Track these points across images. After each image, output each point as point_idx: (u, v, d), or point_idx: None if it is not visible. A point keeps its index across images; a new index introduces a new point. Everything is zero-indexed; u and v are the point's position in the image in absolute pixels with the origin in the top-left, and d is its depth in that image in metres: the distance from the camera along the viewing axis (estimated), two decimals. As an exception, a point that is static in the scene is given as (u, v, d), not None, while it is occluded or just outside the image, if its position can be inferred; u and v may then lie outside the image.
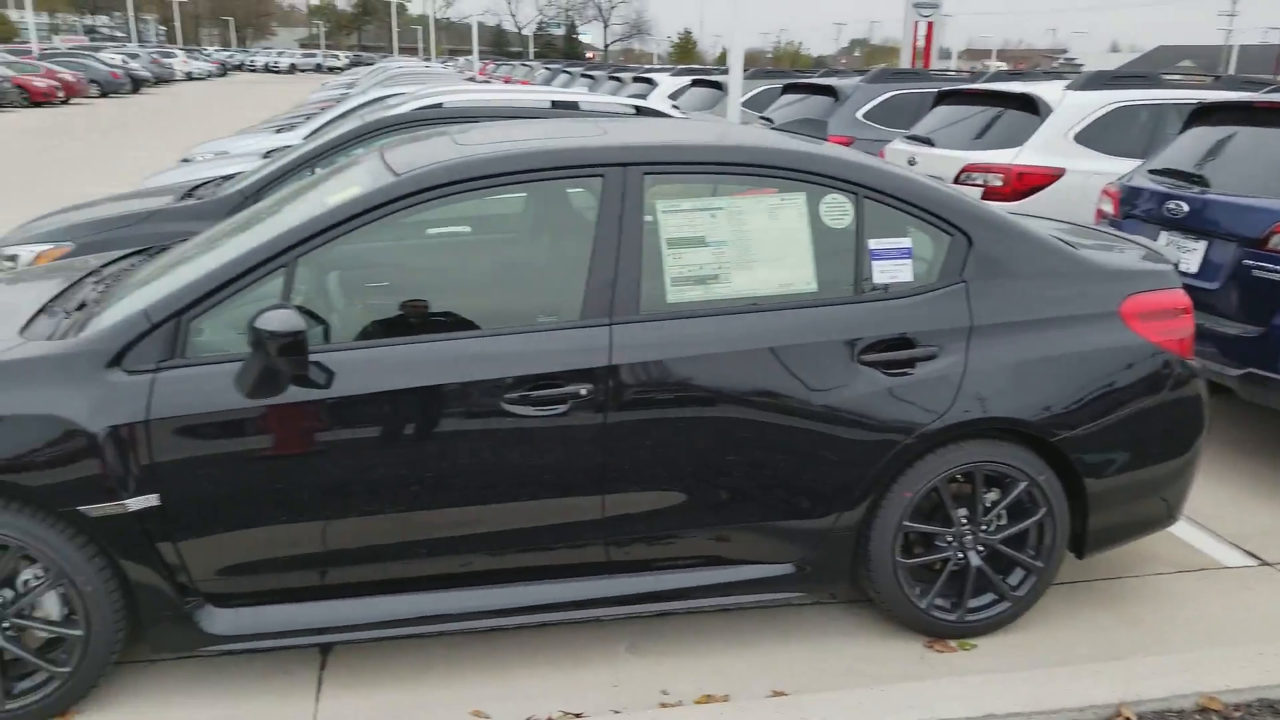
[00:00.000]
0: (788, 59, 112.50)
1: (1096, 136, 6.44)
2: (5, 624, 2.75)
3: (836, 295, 3.08)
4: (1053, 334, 3.14)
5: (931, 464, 3.08)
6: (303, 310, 2.74)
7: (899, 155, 7.48)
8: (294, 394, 2.73)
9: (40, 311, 3.11)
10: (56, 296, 3.29)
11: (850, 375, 2.99)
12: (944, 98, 7.73)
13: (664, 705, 2.93)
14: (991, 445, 3.11)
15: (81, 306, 3.11)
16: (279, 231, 2.88)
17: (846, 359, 3.00)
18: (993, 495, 3.19)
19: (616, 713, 2.88)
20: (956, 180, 6.71)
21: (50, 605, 2.78)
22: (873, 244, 3.12)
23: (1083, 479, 3.16)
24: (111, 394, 2.65)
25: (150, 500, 2.70)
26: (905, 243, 3.14)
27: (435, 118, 5.81)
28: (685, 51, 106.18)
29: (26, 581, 2.75)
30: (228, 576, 2.84)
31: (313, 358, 2.73)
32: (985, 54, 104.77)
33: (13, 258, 5.24)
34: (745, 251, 3.07)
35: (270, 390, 2.71)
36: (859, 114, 9.65)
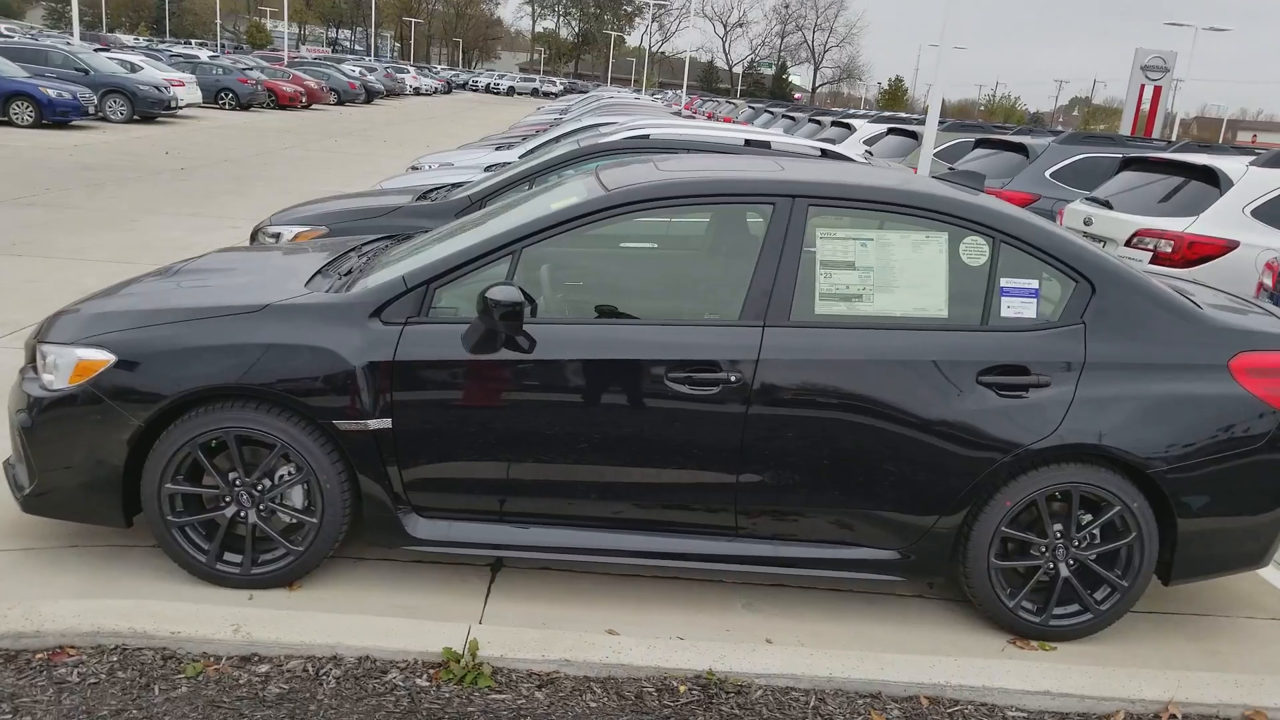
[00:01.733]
0: (1001, 113, 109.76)
1: (1274, 213, 6.53)
2: (262, 507, 3.55)
3: (965, 323, 3.54)
4: (1160, 378, 3.49)
5: (1033, 479, 3.48)
6: (521, 291, 3.43)
7: (1076, 215, 7.71)
8: (503, 354, 3.42)
9: (317, 273, 3.94)
10: (329, 263, 4.13)
11: (967, 393, 3.44)
12: (1129, 164, 7.90)
13: (767, 644, 3.47)
14: (1090, 470, 3.49)
15: (349, 272, 3.92)
16: (510, 226, 3.61)
17: (968, 379, 3.45)
18: (1087, 515, 3.56)
19: (727, 631, 3.42)
20: (1128, 243, 6.92)
21: (296, 497, 3.56)
22: (1003, 282, 3.57)
23: (1174, 511, 3.49)
24: (372, 337, 3.42)
25: (385, 423, 3.44)
26: (1033, 283, 3.57)
27: (641, 147, 6.54)
28: (894, 98, 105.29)
29: (281, 476, 3.54)
30: (430, 492, 3.55)
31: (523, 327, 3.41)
32: (1217, 123, 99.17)
33: (276, 235, 6.28)
34: (888, 277, 3.57)
35: (487, 348, 3.41)
36: (1047, 173, 9.84)
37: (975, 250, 3.58)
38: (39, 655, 3.05)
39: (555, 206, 3.66)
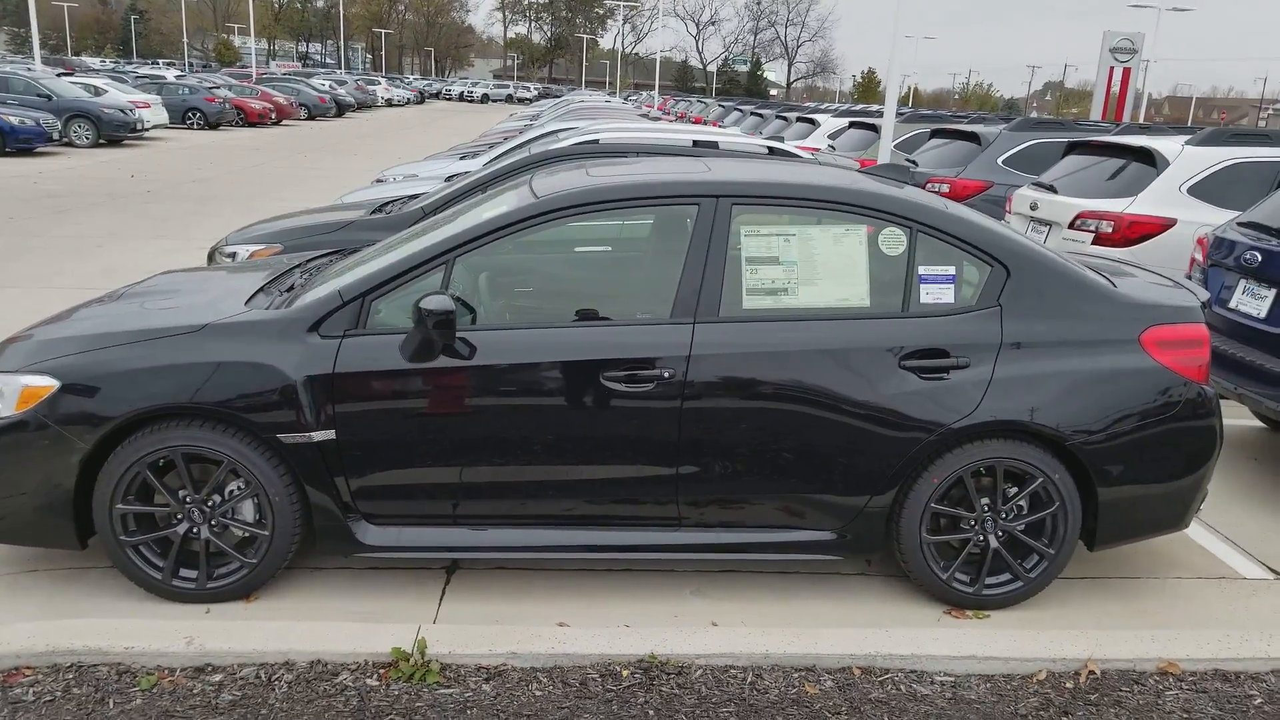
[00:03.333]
0: (976, 101, 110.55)
1: (1210, 190, 6.69)
2: (214, 522, 3.64)
3: (887, 311, 3.67)
4: (1075, 354, 3.64)
5: (958, 456, 3.62)
6: (458, 300, 3.54)
7: (1023, 200, 7.86)
8: (443, 361, 3.53)
9: (259, 290, 4.04)
10: (272, 280, 4.23)
11: (890, 378, 3.57)
12: (1073, 148, 8.06)
13: (712, 626, 3.59)
14: (1012, 445, 3.63)
15: (290, 289, 4.02)
16: (442, 237, 3.72)
17: (890, 364, 3.58)
18: (1013, 488, 3.70)
19: (675, 617, 3.53)
20: (1072, 226, 7.07)
21: (247, 511, 3.65)
22: (921, 269, 3.70)
23: (1094, 480, 3.64)
24: (310, 352, 3.52)
25: (328, 434, 3.54)
26: (950, 270, 3.71)
27: (590, 153, 6.65)
28: (868, 90, 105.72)
29: (232, 491, 3.63)
30: (378, 500, 3.65)
31: (461, 335, 3.53)
32: (1188, 101, 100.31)
33: (232, 255, 6.37)
34: (812, 270, 3.70)
35: (425, 356, 3.52)
36: (999, 160, 10.02)
37: (893, 241, 3.72)
38: (-5, 677, 3.14)
39: (487, 215, 3.77)
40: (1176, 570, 4.19)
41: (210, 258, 6.56)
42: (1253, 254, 5.07)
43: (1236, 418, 5.97)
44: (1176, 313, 3.75)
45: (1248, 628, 3.73)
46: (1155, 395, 3.65)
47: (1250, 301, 5.05)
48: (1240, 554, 4.37)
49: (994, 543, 3.72)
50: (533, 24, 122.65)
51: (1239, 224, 5.48)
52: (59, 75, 28.20)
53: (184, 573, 3.67)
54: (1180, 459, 3.71)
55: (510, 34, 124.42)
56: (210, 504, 3.62)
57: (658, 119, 21.72)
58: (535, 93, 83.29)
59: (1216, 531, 4.60)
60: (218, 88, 34.55)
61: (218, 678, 3.18)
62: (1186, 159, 6.83)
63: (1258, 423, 6.21)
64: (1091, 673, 3.29)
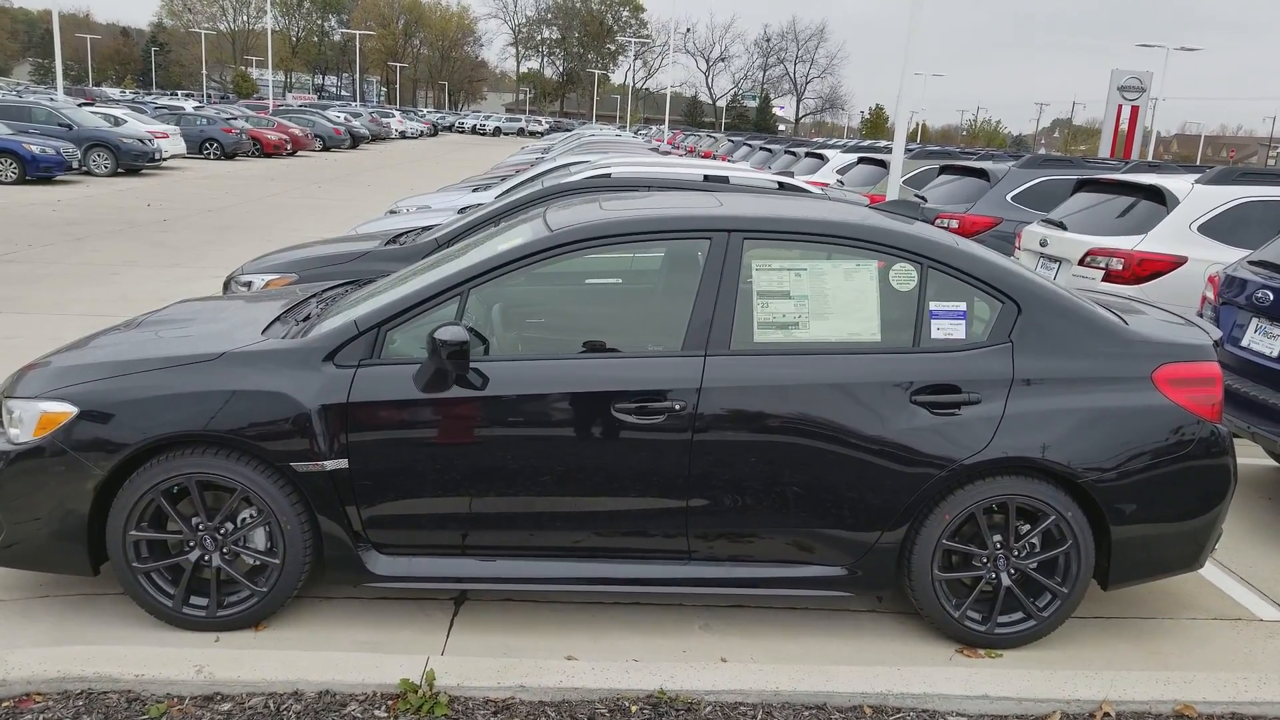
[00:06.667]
0: (984, 137, 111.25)
1: (1221, 228, 6.71)
2: (226, 550, 3.65)
3: (898, 346, 3.68)
4: (1087, 391, 3.64)
5: (970, 493, 3.61)
6: (471, 330, 3.57)
7: (1033, 237, 7.88)
8: (456, 391, 3.55)
9: (275, 320, 4.08)
10: (289, 309, 4.26)
11: (901, 413, 3.58)
12: (1082, 185, 8.09)
13: (721, 662, 3.57)
14: (1024, 481, 3.62)
15: (307, 318, 4.06)
16: (457, 269, 3.75)
17: (901, 399, 3.59)
18: (1025, 526, 3.68)
19: (684, 652, 3.52)
20: (1082, 263, 7.08)
21: (258, 539, 3.66)
22: (932, 305, 3.72)
23: (1107, 519, 3.62)
24: (325, 381, 3.54)
25: (341, 464, 3.55)
26: (961, 306, 3.72)
27: (603, 186, 6.71)
28: (876, 126, 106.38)
29: (243, 519, 3.64)
30: (389, 530, 3.66)
31: (474, 365, 3.55)
32: (1197, 139, 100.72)
33: (248, 284, 6.42)
34: (823, 305, 3.72)
35: (438, 387, 3.54)
36: (1009, 197, 10.06)
37: (904, 276, 3.73)
38: (5, 703, 3.14)
39: (501, 248, 3.81)
40: (1191, 611, 4.16)
41: (226, 286, 6.62)
42: (1264, 293, 5.07)
43: (1251, 457, 5.94)
44: (1188, 351, 3.75)
45: (1265, 670, 3.71)
46: (1168, 433, 3.64)
47: (1262, 340, 5.05)
48: (1256, 595, 4.34)
49: (1006, 580, 3.70)
50: (545, 59, 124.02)
51: (1250, 262, 5.49)
52: (80, 105, 28.53)
53: (194, 600, 3.67)
54: (1194, 498, 3.70)
55: (523, 69, 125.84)
56: (222, 531, 3.62)
57: (668, 153, 21.88)
58: (546, 126, 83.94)
59: (1232, 572, 4.57)
60: (235, 119, 34.88)
61: (226, 706, 3.18)
62: (1197, 197, 6.85)
63: (1272, 462, 6.17)
64: (1106, 714, 3.26)
